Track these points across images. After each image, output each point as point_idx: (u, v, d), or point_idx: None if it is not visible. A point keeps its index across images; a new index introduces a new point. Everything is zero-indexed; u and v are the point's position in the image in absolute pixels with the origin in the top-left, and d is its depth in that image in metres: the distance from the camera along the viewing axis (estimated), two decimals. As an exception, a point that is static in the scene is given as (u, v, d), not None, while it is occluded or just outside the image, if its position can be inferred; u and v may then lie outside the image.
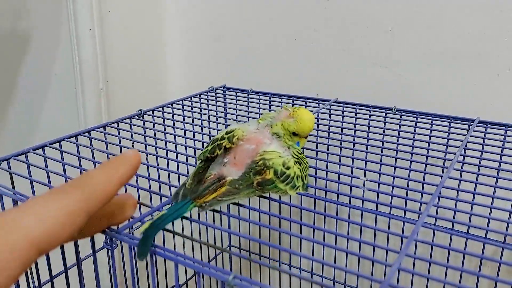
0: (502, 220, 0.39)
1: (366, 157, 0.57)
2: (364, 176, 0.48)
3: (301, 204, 0.79)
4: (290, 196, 0.44)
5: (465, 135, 0.56)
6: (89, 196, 0.28)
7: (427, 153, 0.57)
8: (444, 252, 0.69)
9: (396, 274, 0.30)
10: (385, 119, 0.64)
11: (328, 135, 0.65)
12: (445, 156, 0.55)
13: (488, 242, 0.36)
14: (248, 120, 0.60)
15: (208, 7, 0.89)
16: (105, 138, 0.58)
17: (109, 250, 0.39)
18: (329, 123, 0.67)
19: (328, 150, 0.61)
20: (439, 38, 0.70)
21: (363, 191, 0.45)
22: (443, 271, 0.59)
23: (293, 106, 0.57)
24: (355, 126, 0.65)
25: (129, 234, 0.34)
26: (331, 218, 0.79)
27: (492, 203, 0.47)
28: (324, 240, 0.77)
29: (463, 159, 0.51)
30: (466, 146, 0.51)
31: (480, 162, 0.52)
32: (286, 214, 0.81)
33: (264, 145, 0.42)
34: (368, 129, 0.64)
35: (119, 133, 0.59)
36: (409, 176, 0.51)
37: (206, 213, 0.78)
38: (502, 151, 0.54)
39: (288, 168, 0.41)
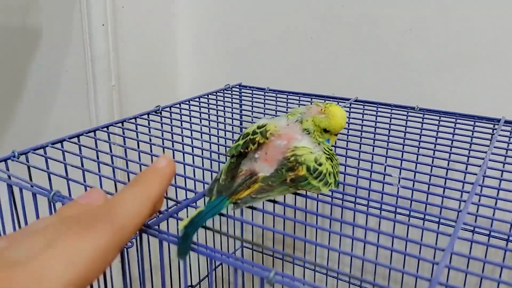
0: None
1: (386, 154, 0.56)
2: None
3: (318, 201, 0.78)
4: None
5: (491, 134, 0.55)
6: (122, 226, 0.25)
7: (450, 150, 0.56)
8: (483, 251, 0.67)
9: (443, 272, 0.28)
10: (407, 118, 0.63)
11: (348, 132, 0.64)
12: (469, 153, 0.53)
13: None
14: (264, 117, 0.59)
15: (223, 4, 0.87)
16: (123, 133, 0.56)
17: (137, 246, 0.38)
18: (349, 121, 0.65)
19: (347, 146, 0.60)
20: (460, 37, 0.69)
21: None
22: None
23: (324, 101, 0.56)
24: (375, 124, 0.63)
25: (159, 229, 0.33)
26: (348, 215, 0.77)
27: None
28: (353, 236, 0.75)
29: (503, 166, 0.49)
30: (494, 145, 0.49)
31: (504, 166, 0.51)
32: (302, 212, 0.80)
33: (295, 140, 0.41)
34: (390, 127, 0.62)
35: (136, 128, 0.58)
36: (430, 179, 0.50)
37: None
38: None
39: (320, 165, 0.40)
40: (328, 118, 0.42)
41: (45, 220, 0.26)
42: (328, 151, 0.42)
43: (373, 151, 0.57)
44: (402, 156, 0.58)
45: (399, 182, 0.43)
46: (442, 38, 0.70)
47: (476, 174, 0.42)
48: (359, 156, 0.57)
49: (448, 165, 0.49)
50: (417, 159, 0.53)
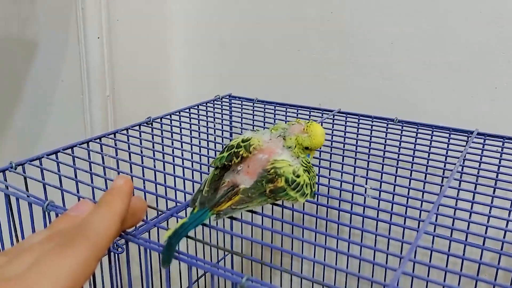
0: (499, 228, 0.41)
1: (368, 166, 0.59)
2: (366, 184, 0.50)
3: (303, 209, 0.81)
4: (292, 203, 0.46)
5: (464, 146, 0.58)
6: (95, 242, 0.29)
7: (427, 163, 0.59)
8: (443, 259, 0.70)
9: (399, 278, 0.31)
10: (386, 130, 0.66)
11: (331, 144, 0.67)
12: (445, 166, 0.56)
13: (486, 249, 0.38)
14: (253, 128, 0.62)
15: (214, 18, 0.91)
16: (115, 144, 0.59)
17: (119, 253, 0.41)
18: (332, 132, 0.69)
19: (330, 158, 0.63)
20: (439, 51, 0.72)
21: (365, 198, 0.46)
22: (442, 276, 0.61)
23: (308, 119, 0.58)
24: (357, 136, 0.66)
25: (145, 238, 0.36)
26: (333, 224, 0.80)
27: (490, 212, 0.48)
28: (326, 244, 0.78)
29: (462, 170, 0.53)
30: (465, 157, 0.53)
31: (478, 173, 0.54)
32: (287, 220, 0.83)
33: (276, 154, 0.44)
34: (370, 139, 0.65)
35: (128, 140, 0.61)
36: (409, 184, 0.53)
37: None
38: (499, 162, 0.56)
39: (298, 176, 0.43)
40: (311, 137, 0.45)
41: (36, 236, 0.30)
42: (306, 164, 0.45)
43: (355, 163, 0.60)
44: (382, 169, 0.61)
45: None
46: (421, 53, 0.73)
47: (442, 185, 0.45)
48: (342, 169, 0.60)
49: (425, 178, 0.52)
50: (396, 172, 0.56)
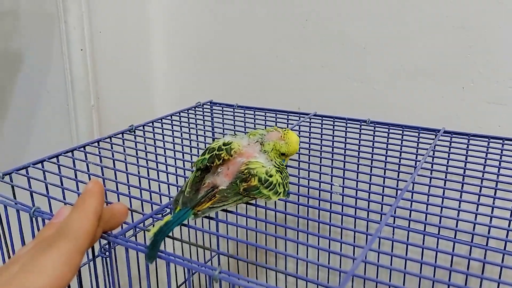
0: (451, 217, 0.44)
1: (344, 166, 0.62)
2: (343, 184, 0.53)
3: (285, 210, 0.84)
4: (266, 202, 0.48)
5: (431, 144, 0.62)
6: (75, 238, 0.32)
7: (399, 162, 0.62)
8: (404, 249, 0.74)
9: (362, 266, 0.34)
10: (360, 131, 0.69)
11: (309, 146, 0.70)
12: (416, 164, 0.59)
13: (441, 237, 0.41)
14: (235, 134, 0.65)
15: (194, 27, 0.94)
16: (99, 153, 0.62)
17: (107, 257, 0.43)
18: (310, 135, 0.72)
19: (309, 160, 0.66)
20: (409, 54, 0.75)
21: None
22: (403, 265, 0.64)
23: (285, 128, 0.60)
24: (333, 138, 0.70)
25: (126, 238, 0.38)
26: (314, 222, 0.83)
27: (442, 203, 0.52)
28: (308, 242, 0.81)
29: (432, 167, 0.56)
30: (430, 154, 0.56)
31: (447, 169, 0.57)
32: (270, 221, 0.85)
33: (253, 158, 0.47)
34: (345, 140, 0.68)
35: (112, 148, 0.63)
36: (383, 182, 0.56)
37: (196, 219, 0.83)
38: (466, 159, 0.59)
39: (271, 176, 0.46)
40: (288, 145, 0.49)
41: (24, 248, 0.34)
42: (279, 166, 0.48)
43: (332, 164, 0.63)
44: (371, 171, 0.64)
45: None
46: (392, 56, 0.76)
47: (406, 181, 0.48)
48: (320, 170, 0.63)
49: (398, 176, 0.55)
50: (370, 171, 0.59)
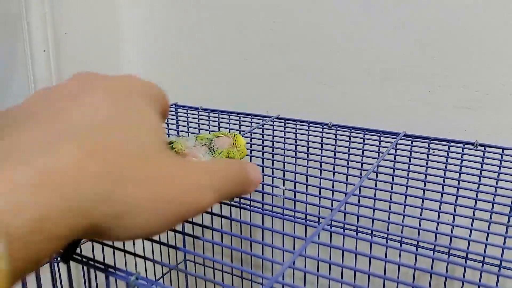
0: (397, 223, 0.43)
1: (307, 171, 0.60)
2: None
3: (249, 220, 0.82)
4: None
5: (394, 148, 0.60)
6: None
7: (361, 166, 0.60)
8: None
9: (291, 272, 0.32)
10: (322, 134, 0.67)
11: (273, 150, 0.68)
12: (377, 169, 0.58)
13: (389, 246, 0.39)
14: (180, 135, 0.63)
15: (161, 30, 0.92)
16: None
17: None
18: (273, 138, 0.70)
19: (273, 165, 0.64)
20: (376, 57, 0.74)
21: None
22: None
23: (233, 132, 0.59)
24: (295, 141, 0.68)
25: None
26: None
27: (389, 208, 0.50)
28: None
29: (394, 172, 0.54)
30: (384, 157, 0.54)
31: (408, 174, 0.55)
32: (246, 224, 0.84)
33: (198, 158, 0.45)
34: (308, 144, 0.67)
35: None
36: (346, 188, 0.54)
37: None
38: (427, 164, 0.58)
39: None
40: (240, 151, 0.47)
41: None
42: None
43: (295, 169, 0.61)
44: (320, 172, 0.62)
45: (283, 194, 0.47)
46: (360, 59, 0.75)
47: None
48: (284, 176, 0.62)
49: (346, 180, 0.53)
50: (333, 177, 0.57)
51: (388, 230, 0.45)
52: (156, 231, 0.22)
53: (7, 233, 0.16)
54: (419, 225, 0.46)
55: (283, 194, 0.48)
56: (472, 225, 0.44)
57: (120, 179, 0.20)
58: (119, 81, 0.26)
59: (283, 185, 0.49)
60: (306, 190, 0.51)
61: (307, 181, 0.54)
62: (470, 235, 0.46)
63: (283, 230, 0.71)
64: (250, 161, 0.66)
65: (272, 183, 0.55)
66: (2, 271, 0.15)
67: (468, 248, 0.44)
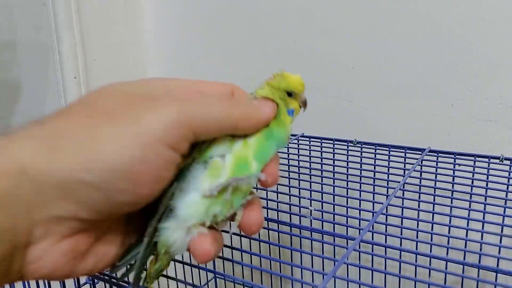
0: (426, 242, 0.43)
1: (333, 191, 0.60)
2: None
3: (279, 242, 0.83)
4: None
5: (420, 164, 0.61)
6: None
7: (387, 184, 0.61)
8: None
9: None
10: (347, 152, 0.68)
11: (299, 170, 0.69)
12: (404, 187, 0.58)
13: (418, 265, 0.40)
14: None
15: (188, 54, 0.95)
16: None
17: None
18: (298, 157, 0.71)
19: (299, 185, 0.65)
20: (397, 72, 0.75)
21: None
22: None
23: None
24: (321, 160, 0.69)
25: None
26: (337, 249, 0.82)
27: (417, 226, 0.51)
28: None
29: (420, 189, 0.55)
30: (411, 175, 0.55)
31: (434, 191, 0.56)
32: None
33: None
34: (333, 162, 0.68)
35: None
36: (373, 207, 0.55)
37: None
38: (453, 180, 0.58)
39: None
40: (284, 77, 0.35)
41: None
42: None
43: (321, 189, 0.62)
44: (347, 191, 0.63)
45: (311, 214, 0.48)
46: (380, 75, 0.76)
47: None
48: (311, 196, 0.63)
49: (373, 199, 0.54)
50: (360, 195, 0.58)
51: (416, 249, 0.46)
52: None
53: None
54: (447, 243, 0.47)
55: (311, 215, 0.49)
56: (500, 242, 0.44)
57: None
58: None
59: (310, 205, 0.50)
60: (333, 210, 0.52)
61: (333, 201, 0.55)
62: (499, 253, 0.46)
63: (311, 250, 0.72)
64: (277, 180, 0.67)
65: (299, 203, 0.56)
66: None
67: (497, 266, 0.44)
